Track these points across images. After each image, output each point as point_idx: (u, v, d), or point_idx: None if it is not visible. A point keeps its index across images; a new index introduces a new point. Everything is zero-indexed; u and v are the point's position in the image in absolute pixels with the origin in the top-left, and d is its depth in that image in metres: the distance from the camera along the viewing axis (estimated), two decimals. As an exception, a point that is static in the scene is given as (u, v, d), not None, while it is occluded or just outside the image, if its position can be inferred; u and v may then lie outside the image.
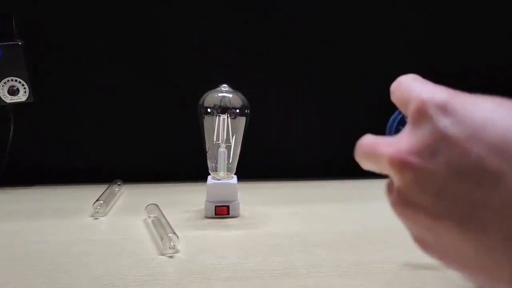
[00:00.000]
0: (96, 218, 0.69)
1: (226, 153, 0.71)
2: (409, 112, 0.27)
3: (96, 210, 0.69)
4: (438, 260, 0.28)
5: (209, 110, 0.70)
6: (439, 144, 0.25)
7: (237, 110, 0.70)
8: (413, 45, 0.96)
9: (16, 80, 0.82)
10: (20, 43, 0.82)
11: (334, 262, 0.53)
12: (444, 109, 0.25)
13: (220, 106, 0.70)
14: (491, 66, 0.97)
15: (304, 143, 0.96)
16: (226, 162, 0.71)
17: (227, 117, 0.70)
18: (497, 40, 0.98)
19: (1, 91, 0.81)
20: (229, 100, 0.70)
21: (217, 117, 0.70)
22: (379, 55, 0.96)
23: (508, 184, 0.22)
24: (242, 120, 0.71)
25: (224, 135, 0.70)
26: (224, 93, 0.71)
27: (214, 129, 0.70)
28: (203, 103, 0.70)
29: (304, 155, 0.96)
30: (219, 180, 0.70)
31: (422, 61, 0.96)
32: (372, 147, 0.29)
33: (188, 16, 0.90)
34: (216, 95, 0.71)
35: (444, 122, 0.25)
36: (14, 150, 0.88)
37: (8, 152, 0.88)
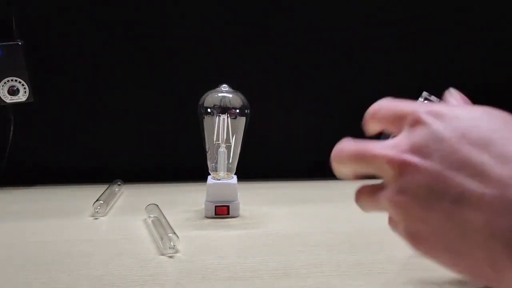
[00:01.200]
0: (96, 218, 0.69)
1: (226, 153, 0.71)
2: (404, 122, 0.31)
3: (96, 210, 0.69)
4: (428, 256, 0.30)
5: (209, 110, 0.70)
6: (434, 144, 0.28)
7: (237, 110, 0.70)
8: (413, 46, 0.96)
9: (16, 80, 0.82)
10: (20, 43, 0.82)
11: (334, 262, 0.53)
12: (437, 115, 0.29)
13: (220, 106, 0.70)
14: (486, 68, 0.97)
15: (304, 143, 0.96)
16: (226, 162, 0.71)
17: (227, 117, 0.70)
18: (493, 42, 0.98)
19: (1, 91, 0.81)
20: (229, 100, 0.70)
21: (217, 117, 0.70)
22: (379, 55, 0.96)
23: (491, 176, 0.26)
24: (242, 120, 0.71)
25: (224, 135, 0.70)
26: (224, 93, 0.71)
27: (214, 129, 0.70)
28: (203, 103, 0.70)
29: (304, 155, 0.96)
30: (219, 180, 0.70)
31: (422, 61, 0.96)
32: (363, 150, 0.32)
33: (188, 16, 0.90)
34: (216, 95, 0.71)
35: (437, 126, 0.28)
36: (14, 150, 0.88)
37: (8, 152, 0.88)
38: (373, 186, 0.34)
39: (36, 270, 0.51)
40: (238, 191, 0.69)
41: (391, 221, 0.33)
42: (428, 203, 0.28)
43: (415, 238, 0.30)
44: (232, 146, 0.71)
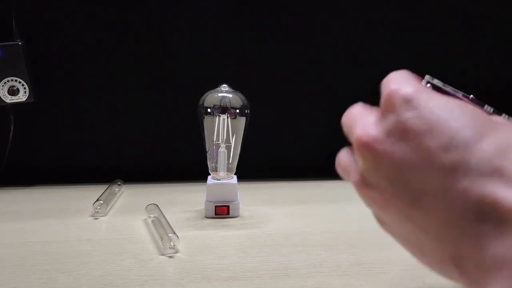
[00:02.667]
0: (96, 218, 0.69)
1: (226, 153, 0.71)
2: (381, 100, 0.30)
3: (96, 210, 0.69)
4: (395, 239, 0.31)
5: (209, 110, 0.70)
6: (399, 134, 0.27)
7: (237, 110, 0.70)
8: (414, 47, 0.96)
9: (16, 80, 0.82)
10: (20, 43, 0.82)
11: (334, 262, 0.53)
12: (408, 102, 0.27)
13: (220, 106, 0.70)
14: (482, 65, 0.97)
15: (304, 143, 0.96)
16: (226, 162, 0.71)
17: (227, 117, 0.70)
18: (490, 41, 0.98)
19: (1, 91, 0.81)
20: (229, 100, 0.70)
21: (217, 117, 0.70)
22: (380, 55, 0.96)
23: (451, 176, 0.25)
24: (242, 120, 0.71)
25: (224, 135, 0.70)
26: (224, 93, 0.71)
27: (214, 129, 0.70)
28: (203, 103, 0.70)
29: (304, 155, 0.96)
30: (219, 180, 0.70)
31: (422, 61, 0.96)
32: (352, 122, 0.32)
33: (188, 16, 0.90)
34: (216, 95, 0.71)
35: (406, 116, 0.27)
36: (14, 150, 0.88)
37: (8, 152, 0.88)
38: (350, 158, 0.33)
39: (36, 270, 0.51)
40: (238, 191, 0.69)
41: None
42: (388, 195, 0.28)
43: (382, 224, 0.31)
44: (232, 146, 0.71)
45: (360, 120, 0.31)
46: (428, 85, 0.36)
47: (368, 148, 0.28)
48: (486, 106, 0.33)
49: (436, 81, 0.36)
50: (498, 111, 0.33)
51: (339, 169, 0.34)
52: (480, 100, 0.33)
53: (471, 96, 0.35)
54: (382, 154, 0.28)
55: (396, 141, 0.27)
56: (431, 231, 0.27)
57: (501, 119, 0.29)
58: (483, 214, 0.24)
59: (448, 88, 0.35)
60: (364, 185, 0.30)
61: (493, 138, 0.25)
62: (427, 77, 0.37)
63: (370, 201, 0.31)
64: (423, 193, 0.26)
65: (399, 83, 0.29)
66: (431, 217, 0.26)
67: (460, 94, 0.34)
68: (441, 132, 0.26)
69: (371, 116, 0.30)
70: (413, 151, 0.27)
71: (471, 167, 0.25)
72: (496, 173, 0.24)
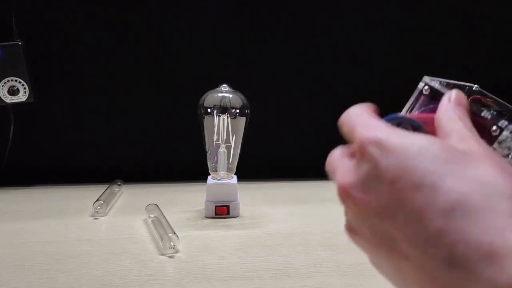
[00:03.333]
0: (96, 218, 0.69)
1: (226, 153, 0.71)
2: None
3: (96, 210, 0.69)
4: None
5: (209, 110, 0.70)
6: (374, 182, 0.27)
7: (237, 110, 0.70)
8: (414, 47, 0.96)
9: (16, 80, 0.82)
10: (20, 43, 0.82)
11: (334, 262, 0.53)
12: (383, 148, 0.27)
13: (220, 106, 0.70)
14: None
15: (304, 143, 0.96)
16: (226, 162, 0.71)
17: (227, 117, 0.70)
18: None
19: (1, 91, 0.81)
20: (229, 100, 0.70)
21: (217, 117, 0.70)
22: (379, 55, 0.96)
23: (421, 221, 0.25)
24: (242, 120, 0.71)
25: (224, 135, 0.70)
26: (224, 93, 0.71)
27: (214, 129, 0.70)
28: (203, 103, 0.70)
29: (304, 155, 0.96)
30: (219, 180, 0.70)
31: (422, 61, 0.96)
32: (334, 167, 0.32)
33: (188, 17, 0.90)
34: (216, 95, 0.71)
35: (380, 162, 0.27)
36: (14, 150, 0.88)
37: (8, 152, 0.88)
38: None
39: (36, 270, 0.51)
40: (238, 191, 0.69)
41: None
42: (373, 243, 0.29)
43: (373, 263, 0.31)
44: (232, 146, 0.71)
45: (340, 165, 0.31)
46: (426, 87, 0.36)
47: (348, 197, 0.29)
48: (488, 97, 0.33)
49: (434, 83, 0.36)
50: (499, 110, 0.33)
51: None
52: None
53: (476, 86, 0.34)
54: (361, 203, 0.28)
55: (371, 189, 0.27)
56: (409, 277, 0.27)
57: (474, 147, 0.28)
58: (455, 261, 0.24)
59: (445, 89, 0.34)
60: (352, 233, 0.31)
61: (461, 180, 0.25)
62: (425, 78, 0.37)
63: (360, 247, 0.31)
64: (401, 240, 0.26)
65: (369, 130, 0.29)
66: (409, 263, 0.26)
67: (464, 85, 0.33)
68: (410, 177, 0.26)
69: (350, 161, 0.30)
70: (387, 198, 0.27)
71: (440, 211, 0.25)
72: (466, 218, 0.24)
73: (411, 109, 0.38)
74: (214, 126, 0.70)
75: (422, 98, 0.37)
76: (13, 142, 0.88)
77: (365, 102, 0.35)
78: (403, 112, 0.37)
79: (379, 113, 0.33)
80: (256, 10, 0.92)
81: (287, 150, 0.97)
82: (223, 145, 0.71)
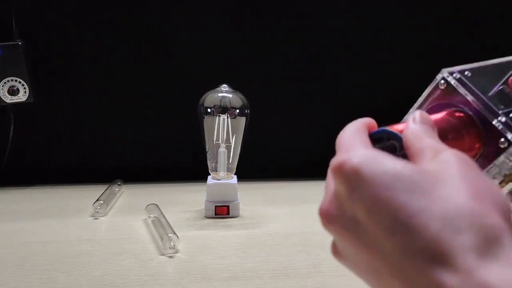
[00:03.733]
0: (96, 218, 0.69)
1: (226, 153, 0.71)
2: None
3: (96, 210, 0.69)
4: None
5: (209, 110, 0.70)
6: (349, 211, 0.28)
7: (237, 110, 0.70)
8: (414, 47, 0.96)
9: (16, 80, 0.82)
10: (20, 43, 0.82)
11: (334, 262, 0.53)
12: (354, 177, 0.27)
13: (220, 106, 0.70)
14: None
15: (304, 143, 0.96)
16: (226, 162, 0.71)
17: (227, 117, 0.70)
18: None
19: (1, 91, 0.81)
20: (229, 100, 0.70)
21: (217, 117, 0.70)
22: (379, 56, 0.96)
23: (398, 259, 0.25)
24: (242, 120, 0.71)
25: (224, 135, 0.70)
26: (224, 93, 0.71)
27: (214, 129, 0.70)
28: (203, 103, 0.70)
29: (304, 155, 0.96)
30: (219, 180, 0.70)
31: (423, 60, 0.96)
32: (326, 184, 0.33)
33: (188, 17, 0.90)
34: (216, 95, 0.71)
35: (352, 194, 0.28)
36: (14, 150, 0.88)
37: (8, 152, 0.88)
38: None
39: (36, 270, 0.51)
40: (238, 191, 0.69)
41: None
42: (357, 268, 0.30)
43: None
44: (232, 146, 0.71)
45: (326, 191, 0.32)
46: (443, 81, 0.34)
47: (328, 224, 0.30)
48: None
49: (451, 78, 0.34)
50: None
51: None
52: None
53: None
54: (339, 232, 0.29)
55: (348, 218, 0.28)
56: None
57: (446, 162, 0.28)
58: None
59: (462, 88, 0.33)
60: (338, 255, 0.32)
61: (435, 216, 0.25)
62: (444, 71, 0.35)
63: (347, 268, 0.32)
64: (384, 272, 0.27)
65: (347, 150, 0.30)
66: (384, 278, 0.27)
67: (495, 64, 0.32)
68: (384, 212, 0.26)
69: (332, 185, 0.31)
70: (364, 230, 0.27)
71: (415, 251, 0.25)
72: (441, 257, 0.24)
73: (423, 102, 0.36)
74: (214, 126, 0.70)
75: (438, 92, 0.35)
76: (13, 142, 0.88)
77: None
78: (417, 104, 0.36)
79: (377, 124, 0.33)
80: (256, 10, 0.92)
81: (287, 150, 0.97)
82: (223, 145, 0.71)
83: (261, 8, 0.92)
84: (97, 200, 0.70)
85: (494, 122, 0.32)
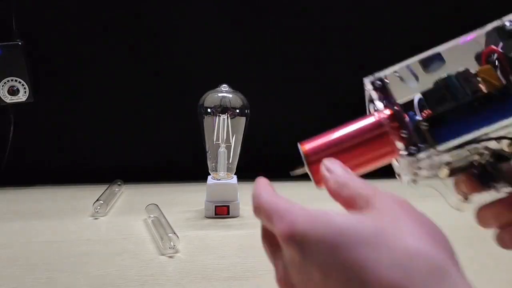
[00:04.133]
0: (96, 218, 0.69)
1: (226, 153, 0.71)
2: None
3: (96, 210, 0.69)
4: None
5: (209, 110, 0.70)
6: (304, 272, 0.29)
7: (237, 110, 0.70)
8: (414, 47, 0.96)
9: (16, 80, 0.82)
10: (20, 43, 0.82)
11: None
12: (304, 244, 0.29)
13: (220, 106, 0.70)
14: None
15: (304, 143, 0.96)
16: (226, 162, 0.71)
17: (227, 117, 0.70)
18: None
19: (1, 91, 0.81)
20: (229, 100, 0.70)
21: (217, 117, 0.70)
22: (379, 56, 0.96)
23: None
24: (242, 120, 0.71)
25: (224, 135, 0.70)
26: (224, 93, 0.71)
27: (214, 129, 0.70)
28: (203, 103, 0.70)
29: (304, 155, 0.96)
30: (219, 180, 0.70)
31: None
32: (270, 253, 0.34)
33: (188, 17, 0.90)
34: (216, 95, 0.71)
35: (304, 259, 0.28)
36: (14, 150, 0.88)
37: (8, 152, 0.88)
38: None
39: (36, 270, 0.51)
40: (238, 191, 0.69)
41: None
42: None
43: None
44: (232, 146, 0.71)
45: (276, 262, 0.33)
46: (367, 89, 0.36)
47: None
48: None
49: (368, 86, 0.36)
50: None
51: None
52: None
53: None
54: None
55: (307, 280, 0.29)
56: None
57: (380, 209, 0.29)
58: None
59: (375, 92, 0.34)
60: None
61: (386, 265, 0.25)
62: (365, 80, 0.37)
63: None
64: None
65: (282, 217, 0.31)
66: None
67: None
68: (338, 269, 0.27)
69: (284, 258, 0.32)
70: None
71: None
72: None
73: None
74: (214, 126, 0.70)
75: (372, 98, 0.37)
76: (13, 142, 0.88)
77: (259, 179, 0.35)
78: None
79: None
80: (256, 10, 0.92)
81: (287, 150, 0.96)
82: (223, 145, 0.71)
83: (261, 8, 0.92)
84: (97, 200, 0.70)
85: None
